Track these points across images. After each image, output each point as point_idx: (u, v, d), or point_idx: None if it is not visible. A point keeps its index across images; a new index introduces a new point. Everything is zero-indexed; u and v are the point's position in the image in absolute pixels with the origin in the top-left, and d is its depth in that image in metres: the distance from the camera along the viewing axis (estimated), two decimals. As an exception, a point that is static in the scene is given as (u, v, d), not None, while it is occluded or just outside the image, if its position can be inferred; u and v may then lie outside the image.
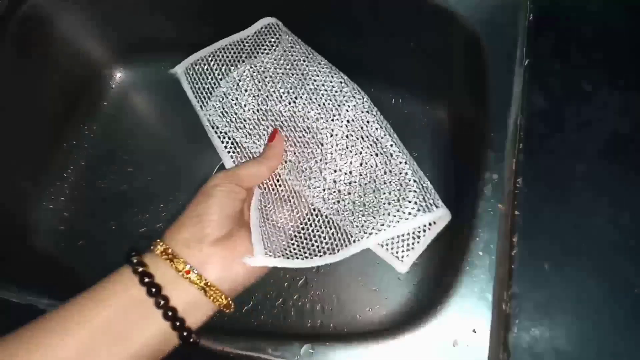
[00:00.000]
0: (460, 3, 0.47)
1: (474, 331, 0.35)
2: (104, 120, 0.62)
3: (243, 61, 0.44)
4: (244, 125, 0.40)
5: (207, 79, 0.43)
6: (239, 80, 0.41)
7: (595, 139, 0.40)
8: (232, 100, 0.41)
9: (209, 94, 0.43)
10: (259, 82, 0.41)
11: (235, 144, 0.40)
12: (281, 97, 0.40)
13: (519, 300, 0.35)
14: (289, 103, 0.40)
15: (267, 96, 0.40)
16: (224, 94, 0.42)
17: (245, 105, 0.40)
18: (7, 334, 0.37)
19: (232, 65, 0.43)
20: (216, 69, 0.44)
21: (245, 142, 0.39)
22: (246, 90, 0.41)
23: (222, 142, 0.40)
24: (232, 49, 0.45)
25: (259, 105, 0.40)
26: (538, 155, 0.40)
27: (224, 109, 0.41)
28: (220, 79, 0.43)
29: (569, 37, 0.45)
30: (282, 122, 0.39)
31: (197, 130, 0.62)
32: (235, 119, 0.40)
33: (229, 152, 0.40)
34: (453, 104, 0.57)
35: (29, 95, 0.55)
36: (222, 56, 0.44)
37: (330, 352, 0.35)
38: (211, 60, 0.44)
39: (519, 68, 0.44)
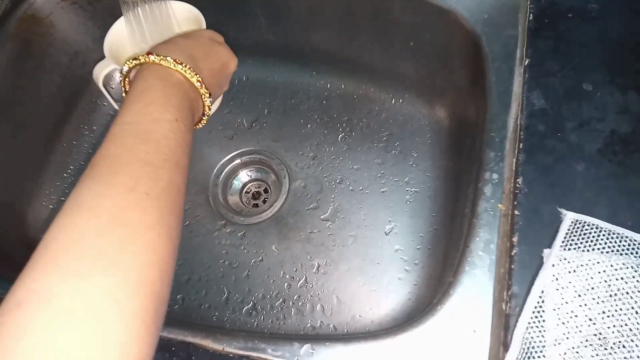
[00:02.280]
0: (460, 3, 0.47)
1: (474, 331, 0.35)
2: (103, 120, 0.62)
3: None
4: None
5: None
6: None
7: (595, 138, 0.40)
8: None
9: None
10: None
11: None
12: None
13: (518, 300, 0.35)
14: None
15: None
16: None
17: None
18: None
19: None
20: None
21: None
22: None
23: None
24: None
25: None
26: (538, 155, 0.40)
27: None
28: None
29: (569, 37, 0.45)
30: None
31: (197, 130, 0.62)
32: None
33: None
34: (453, 104, 0.57)
35: (28, 95, 0.55)
36: None
37: (331, 352, 0.35)
38: None
39: (519, 68, 0.44)
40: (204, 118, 0.34)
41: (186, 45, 0.33)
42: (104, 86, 0.41)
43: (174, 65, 0.30)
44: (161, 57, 0.30)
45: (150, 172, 0.25)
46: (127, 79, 0.33)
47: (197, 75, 0.31)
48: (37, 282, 0.21)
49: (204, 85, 0.32)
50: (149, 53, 0.30)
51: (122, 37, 0.40)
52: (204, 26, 0.40)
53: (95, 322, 0.20)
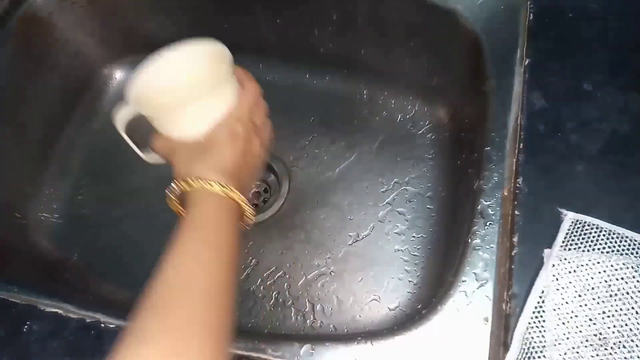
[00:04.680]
0: (461, 3, 0.47)
1: (474, 331, 0.35)
2: (103, 120, 0.62)
3: None
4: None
5: None
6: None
7: (595, 138, 0.40)
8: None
9: None
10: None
11: None
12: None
13: (519, 300, 0.35)
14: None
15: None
16: None
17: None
18: (6, 333, 0.37)
19: None
20: None
21: None
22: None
23: None
24: None
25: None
26: (538, 155, 0.40)
27: None
28: None
29: (569, 37, 0.45)
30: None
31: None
32: None
33: None
34: (453, 104, 0.57)
35: (29, 95, 0.55)
36: None
37: (331, 352, 0.35)
38: None
39: (519, 68, 0.44)
40: (249, 221, 0.37)
41: (221, 160, 0.35)
42: (126, 132, 0.39)
43: (223, 192, 0.34)
44: (210, 182, 0.33)
45: (207, 303, 0.28)
46: (177, 200, 0.35)
47: (240, 195, 0.34)
48: None
49: (246, 203, 0.35)
50: (198, 178, 0.33)
51: (148, 83, 0.38)
52: (231, 60, 0.38)
53: None
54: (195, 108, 0.36)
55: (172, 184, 0.35)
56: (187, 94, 0.36)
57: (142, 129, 0.39)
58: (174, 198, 0.35)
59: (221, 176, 0.34)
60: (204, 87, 0.36)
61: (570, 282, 0.35)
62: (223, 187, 0.34)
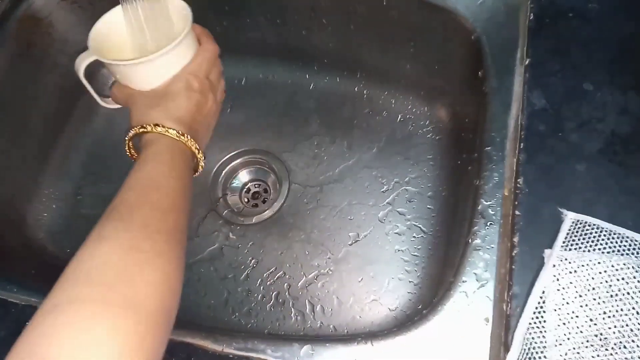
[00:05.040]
0: (461, 3, 0.47)
1: (475, 331, 0.34)
2: (102, 120, 0.62)
3: None
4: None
5: None
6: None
7: (596, 138, 0.40)
8: None
9: None
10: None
11: None
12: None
13: (519, 300, 0.35)
14: None
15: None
16: None
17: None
18: (6, 333, 0.37)
19: None
20: None
21: None
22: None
23: None
24: None
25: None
26: (538, 155, 0.40)
27: None
28: None
29: (569, 37, 0.45)
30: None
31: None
32: None
33: None
34: (453, 104, 0.57)
35: (28, 95, 0.55)
36: None
37: (331, 352, 0.35)
38: None
39: (519, 68, 0.44)
40: (199, 168, 0.40)
41: (177, 110, 0.38)
42: (85, 77, 0.42)
43: (177, 137, 0.36)
44: (166, 128, 0.36)
45: (159, 214, 0.31)
46: (130, 142, 0.38)
47: (195, 143, 0.37)
48: (71, 290, 0.26)
49: (200, 150, 0.38)
50: (155, 124, 0.36)
51: (108, 31, 0.40)
52: (190, 23, 0.39)
53: (117, 324, 0.25)
54: (154, 62, 0.37)
55: (130, 130, 0.37)
56: (145, 47, 0.39)
57: (102, 77, 0.41)
58: (129, 143, 0.38)
59: (177, 124, 0.37)
60: (162, 41, 0.38)
61: (570, 283, 0.35)
62: (178, 133, 0.36)
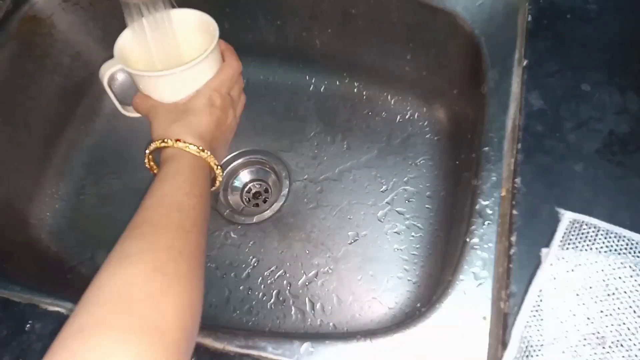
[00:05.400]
0: (460, 4, 0.48)
1: (473, 330, 0.35)
2: (104, 120, 0.63)
3: None
4: None
5: None
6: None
7: (594, 138, 0.40)
8: None
9: None
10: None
11: None
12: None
13: (517, 299, 0.35)
14: None
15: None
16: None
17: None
18: (8, 333, 0.38)
19: None
20: None
21: None
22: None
23: None
24: None
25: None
26: (536, 155, 0.40)
27: None
28: None
29: (568, 38, 0.45)
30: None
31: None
32: None
33: None
34: (452, 104, 0.57)
35: (30, 96, 0.55)
36: None
37: (330, 350, 0.35)
38: None
39: (517, 68, 0.44)
40: (217, 184, 0.40)
41: (198, 125, 0.38)
42: (109, 85, 0.42)
43: (198, 153, 0.36)
44: (187, 144, 0.36)
45: (182, 235, 0.31)
46: (151, 155, 0.39)
47: (214, 159, 0.37)
48: (97, 313, 0.26)
49: (218, 166, 0.38)
50: (177, 140, 0.36)
51: (135, 40, 0.40)
52: (216, 39, 0.38)
53: (142, 351, 0.25)
54: (178, 75, 0.37)
55: (150, 144, 0.37)
56: (171, 60, 0.39)
57: (125, 87, 0.41)
58: (149, 156, 0.38)
59: (198, 140, 0.37)
60: (188, 55, 0.38)
61: (568, 282, 0.35)
62: (198, 149, 0.36)
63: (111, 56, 0.40)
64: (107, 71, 0.40)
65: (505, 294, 0.36)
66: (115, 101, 0.44)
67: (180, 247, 0.30)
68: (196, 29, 0.41)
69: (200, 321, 0.31)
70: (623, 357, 0.33)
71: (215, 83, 0.39)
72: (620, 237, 0.37)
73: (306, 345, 0.35)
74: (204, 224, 0.34)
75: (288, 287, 0.53)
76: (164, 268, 0.28)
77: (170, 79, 0.37)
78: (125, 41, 0.40)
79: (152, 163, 0.39)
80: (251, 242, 0.55)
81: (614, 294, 0.35)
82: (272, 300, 0.52)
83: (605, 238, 0.37)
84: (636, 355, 0.33)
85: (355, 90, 0.62)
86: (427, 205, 0.55)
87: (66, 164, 0.59)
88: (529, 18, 0.46)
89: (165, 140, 0.36)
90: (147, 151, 0.38)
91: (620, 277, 0.35)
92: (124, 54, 0.39)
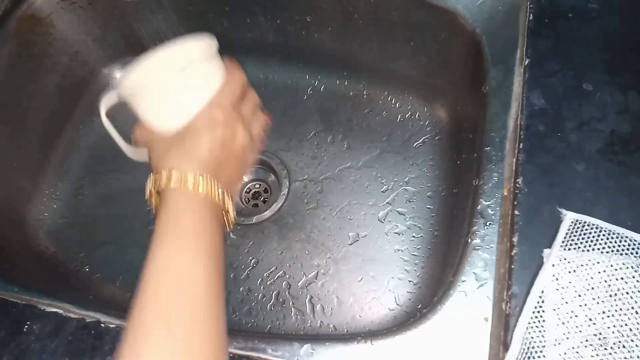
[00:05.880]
0: (460, 3, 0.47)
1: (474, 331, 0.35)
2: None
3: None
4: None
5: None
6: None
7: (595, 138, 0.40)
8: None
9: None
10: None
11: None
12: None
13: (518, 300, 0.35)
14: None
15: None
16: None
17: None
18: (6, 333, 0.37)
19: None
20: None
21: None
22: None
23: None
24: None
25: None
26: (538, 155, 0.40)
27: None
28: None
29: (569, 37, 0.45)
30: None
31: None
32: None
33: None
34: (453, 104, 0.57)
35: (29, 95, 0.55)
36: None
37: (331, 352, 0.35)
38: None
39: (519, 68, 0.44)
40: (229, 221, 0.34)
41: (197, 148, 0.33)
42: (107, 117, 0.38)
43: (194, 185, 0.31)
44: (182, 172, 0.31)
45: (200, 311, 0.28)
46: (152, 195, 0.33)
47: (218, 190, 0.32)
48: None
49: (226, 196, 0.33)
50: (171, 169, 0.31)
51: (135, 71, 0.35)
52: (212, 40, 0.35)
53: None
54: (178, 97, 0.34)
55: (148, 178, 0.33)
56: (170, 83, 0.34)
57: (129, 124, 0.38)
58: (151, 193, 0.33)
59: (196, 165, 0.31)
60: (188, 78, 0.34)
61: (570, 282, 0.35)
62: (197, 176, 0.31)
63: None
64: (106, 104, 0.37)
65: (507, 295, 0.36)
66: (117, 138, 0.40)
67: (199, 338, 0.27)
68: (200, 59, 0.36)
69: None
70: (625, 358, 0.33)
71: (216, 98, 0.34)
72: (622, 237, 0.37)
73: (306, 346, 0.35)
74: (217, 282, 0.30)
75: (288, 288, 0.52)
76: (189, 355, 0.26)
77: (169, 99, 0.34)
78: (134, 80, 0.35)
79: (153, 199, 0.34)
80: (250, 243, 0.55)
81: (615, 294, 0.35)
82: (272, 302, 0.52)
83: (607, 238, 0.37)
84: (638, 356, 0.33)
85: (356, 89, 0.62)
86: (428, 206, 0.55)
87: (65, 164, 0.59)
88: (531, 17, 0.46)
89: (159, 170, 0.32)
90: (147, 193, 0.33)
91: (622, 278, 0.35)
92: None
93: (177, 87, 0.34)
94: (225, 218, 0.34)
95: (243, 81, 0.36)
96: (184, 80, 0.34)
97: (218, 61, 0.36)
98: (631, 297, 0.35)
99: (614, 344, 0.34)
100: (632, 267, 0.35)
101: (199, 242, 0.30)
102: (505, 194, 0.39)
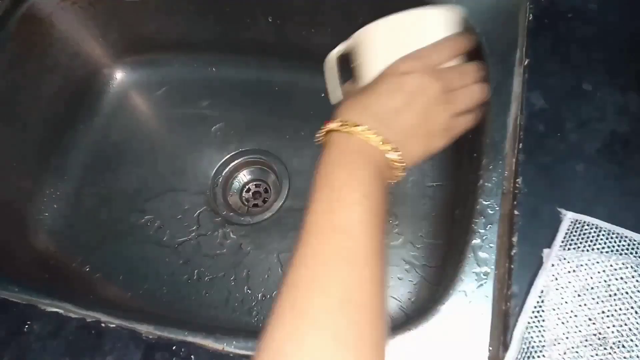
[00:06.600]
0: (460, 3, 0.47)
1: (474, 330, 0.35)
2: (103, 120, 0.63)
3: None
4: None
5: None
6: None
7: (595, 138, 0.40)
8: None
9: None
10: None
11: None
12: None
13: (518, 299, 0.35)
14: None
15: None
16: None
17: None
18: (7, 334, 0.38)
19: None
20: None
21: None
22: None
23: None
24: None
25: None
26: (538, 155, 0.40)
27: None
28: None
29: (569, 37, 0.45)
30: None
31: (197, 130, 0.62)
32: None
33: None
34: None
35: (29, 95, 0.55)
36: None
37: (331, 351, 0.35)
38: None
39: (518, 68, 0.44)
40: (397, 173, 0.32)
41: (370, 98, 0.32)
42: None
43: (360, 131, 0.30)
44: (346, 123, 0.30)
45: (356, 277, 0.26)
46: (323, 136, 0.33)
47: (385, 141, 0.30)
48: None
49: (394, 150, 0.30)
50: (341, 123, 0.30)
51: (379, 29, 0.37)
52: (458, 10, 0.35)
53: None
54: (401, 49, 0.33)
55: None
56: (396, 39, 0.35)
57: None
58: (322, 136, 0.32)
59: (367, 118, 0.30)
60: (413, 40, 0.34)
61: (569, 282, 0.35)
62: (360, 127, 0.30)
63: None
64: (337, 52, 0.39)
65: (507, 295, 0.36)
66: (334, 82, 0.41)
67: (357, 297, 0.25)
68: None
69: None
70: (624, 357, 0.33)
71: (414, 54, 0.32)
72: (621, 237, 0.37)
73: (306, 346, 0.35)
74: (379, 240, 0.28)
75: (288, 288, 0.52)
76: (344, 338, 0.24)
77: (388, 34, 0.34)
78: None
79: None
80: (251, 243, 0.55)
81: (615, 294, 0.35)
82: (272, 301, 0.52)
83: (607, 238, 0.37)
84: (638, 356, 0.33)
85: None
86: (428, 206, 0.55)
87: (65, 164, 0.59)
88: (530, 17, 0.46)
89: (327, 123, 0.31)
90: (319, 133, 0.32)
91: (622, 278, 0.35)
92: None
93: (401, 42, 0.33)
94: (392, 168, 0.31)
95: (460, 46, 0.34)
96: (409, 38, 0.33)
97: (453, 25, 0.35)
98: (631, 297, 0.35)
99: (614, 343, 0.34)
100: (631, 267, 0.35)
101: (365, 198, 0.28)
102: (505, 193, 0.39)
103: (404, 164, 0.31)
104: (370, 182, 0.29)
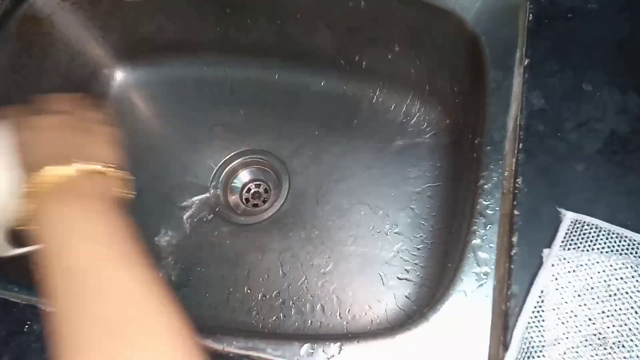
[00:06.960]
0: (460, 3, 0.47)
1: (474, 331, 0.35)
2: (104, 120, 0.62)
3: None
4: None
5: None
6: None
7: (595, 138, 0.40)
8: None
9: None
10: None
11: None
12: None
13: (518, 300, 0.35)
14: None
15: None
16: None
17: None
18: (7, 333, 0.38)
19: None
20: None
21: None
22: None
23: None
24: None
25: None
26: (537, 155, 0.40)
27: None
28: None
29: (569, 37, 0.45)
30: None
31: (197, 130, 0.62)
32: None
33: None
34: (453, 104, 0.57)
35: (29, 95, 0.55)
36: None
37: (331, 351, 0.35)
38: None
39: (518, 68, 0.44)
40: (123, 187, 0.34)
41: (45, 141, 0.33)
42: None
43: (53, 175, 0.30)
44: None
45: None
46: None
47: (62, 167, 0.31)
48: None
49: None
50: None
51: None
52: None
53: None
54: None
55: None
56: None
57: None
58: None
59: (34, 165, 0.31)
60: None
61: (569, 282, 0.35)
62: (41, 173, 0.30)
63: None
64: None
65: (507, 295, 0.36)
66: None
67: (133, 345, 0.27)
68: None
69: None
70: (624, 357, 0.33)
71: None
72: (621, 237, 0.37)
73: (306, 346, 0.35)
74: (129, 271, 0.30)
75: (288, 288, 0.52)
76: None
77: None
78: None
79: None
80: (251, 243, 0.55)
81: (615, 294, 0.35)
82: (272, 301, 0.52)
83: (607, 238, 0.37)
84: (637, 356, 0.33)
85: (356, 90, 0.62)
86: (427, 206, 0.55)
87: (65, 164, 0.59)
88: (530, 17, 0.46)
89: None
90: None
91: (621, 278, 0.35)
92: None
93: None
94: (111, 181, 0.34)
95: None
96: None
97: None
98: (630, 297, 0.35)
99: (614, 343, 0.34)
100: (631, 267, 0.35)
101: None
102: (505, 193, 0.39)
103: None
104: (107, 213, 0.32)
